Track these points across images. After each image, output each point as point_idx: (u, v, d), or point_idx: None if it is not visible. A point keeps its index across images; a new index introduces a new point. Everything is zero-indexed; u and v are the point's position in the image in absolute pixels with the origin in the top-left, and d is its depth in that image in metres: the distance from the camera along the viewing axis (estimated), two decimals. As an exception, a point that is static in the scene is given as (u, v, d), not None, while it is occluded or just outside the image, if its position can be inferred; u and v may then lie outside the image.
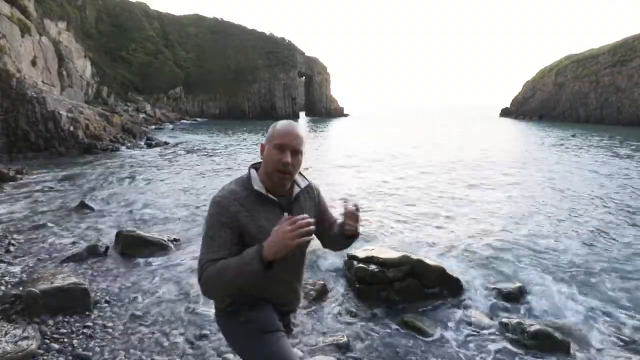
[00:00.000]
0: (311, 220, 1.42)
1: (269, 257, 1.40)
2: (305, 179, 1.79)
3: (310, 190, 1.79)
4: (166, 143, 21.75)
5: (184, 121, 42.72)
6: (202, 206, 8.36)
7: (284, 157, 1.55)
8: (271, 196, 1.60)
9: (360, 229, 1.76)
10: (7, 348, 2.93)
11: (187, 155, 17.71)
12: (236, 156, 17.61)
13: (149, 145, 20.61)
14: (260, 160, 1.69)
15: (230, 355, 3.20)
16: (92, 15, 49.64)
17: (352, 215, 1.69)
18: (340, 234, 1.76)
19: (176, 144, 22.03)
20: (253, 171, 1.65)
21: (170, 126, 36.80)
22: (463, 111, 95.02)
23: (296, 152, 1.58)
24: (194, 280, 4.69)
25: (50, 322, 3.57)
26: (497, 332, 3.68)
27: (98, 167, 13.67)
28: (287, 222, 1.38)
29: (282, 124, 1.63)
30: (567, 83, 47.79)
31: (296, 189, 1.71)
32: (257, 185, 1.59)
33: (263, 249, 1.40)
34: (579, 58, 47.98)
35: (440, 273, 4.39)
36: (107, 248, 5.59)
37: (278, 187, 1.63)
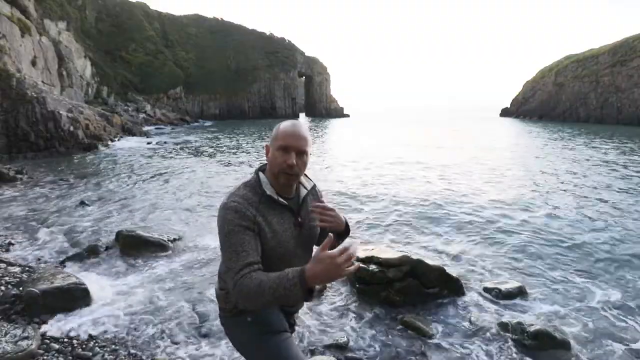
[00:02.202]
0: (356, 247, 1.32)
1: (312, 286, 1.30)
2: (310, 180, 1.78)
3: (314, 192, 1.79)
4: (166, 143, 21.77)
5: (185, 125, 41.91)
6: (202, 206, 8.37)
7: (289, 159, 1.51)
8: (282, 200, 1.58)
9: (348, 222, 1.71)
10: (7, 348, 2.93)
11: (187, 155, 17.71)
12: (236, 157, 17.61)
13: (149, 145, 20.63)
14: (266, 162, 1.66)
15: (231, 354, 3.20)
16: (92, 15, 49.60)
17: (324, 211, 1.60)
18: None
19: (176, 145, 22.02)
20: (262, 175, 1.61)
21: (169, 128, 36.71)
22: (463, 111, 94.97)
23: (301, 153, 1.54)
24: (193, 279, 4.70)
25: (51, 322, 3.57)
26: (497, 332, 3.67)
27: (98, 167, 13.67)
28: (339, 254, 1.25)
29: (285, 124, 1.58)
30: (567, 83, 47.75)
31: (303, 191, 1.70)
32: (269, 190, 1.56)
33: (306, 277, 1.27)
34: (579, 58, 47.94)
35: (440, 273, 4.39)
36: (107, 248, 5.60)
37: (285, 189, 1.61)
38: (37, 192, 9.59)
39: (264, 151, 1.63)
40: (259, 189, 1.57)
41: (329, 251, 1.26)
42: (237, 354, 3.10)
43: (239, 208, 1.49)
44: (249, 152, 19.05)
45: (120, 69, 47.72)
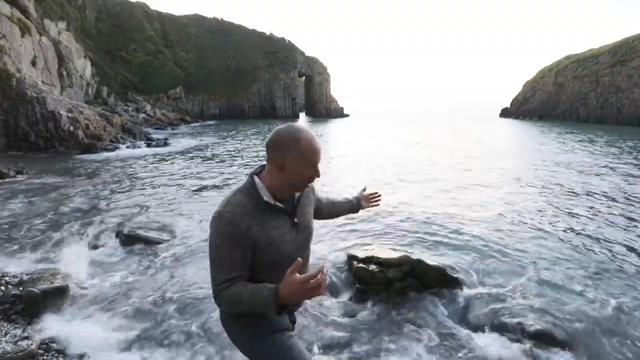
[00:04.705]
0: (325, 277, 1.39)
1: (285, 303, 1.40)
2: None
3: (307, 190, 1.78)
4: (166, 144, 21.75)
5: (185, 125, 41.72)
6: (203, 205, 8.36)
7: (317, 172, 1.56)
8: (279, 204, 1.57)
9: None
10: (7, 348, 2.94)
11: (186, 156, 17.71)
12: (236, 157, 17.62)
13: (149, 146, 20.61)
14: (259, 165, 1.64)
15: (230, 352, 3.20)
16: (92, 15, 49.59)
17: (372, 197, 2.29)
18: (348, 207, 2.22)
19: (177, 145, 22.03)
20: (257, 179, 1.58)
21: (169, 128, 36.71)
22: (463, 111, 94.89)
23: None
24: (194, 279, 4.70)
25: (50, 322, 3.57)
26: (497, 332, 3.67)
27: (98, 167, 13.67)
28: (307, 279, 1.33)
29: (306, 139, 1.50)
30: (567, 83, 47.74)
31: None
32: (266, 196, 1.55)
33: (279, 297, 1.37)
34: (579, 58, 47.93)
35: (440, 273, 4.39)
36: (107, 247, 5.59)
37: (287, 194, 1.61)
38: (36, 191, 9.58)
39: (272, 164, 1.54)
40: (254, 193, 1.55)
41: (299, 276, 1.34)
42: (238, 353, 3.11)
43: (234, 220, 1.48)
44: (250, 152, 19.06)
45: (120, 69, 47.70)
